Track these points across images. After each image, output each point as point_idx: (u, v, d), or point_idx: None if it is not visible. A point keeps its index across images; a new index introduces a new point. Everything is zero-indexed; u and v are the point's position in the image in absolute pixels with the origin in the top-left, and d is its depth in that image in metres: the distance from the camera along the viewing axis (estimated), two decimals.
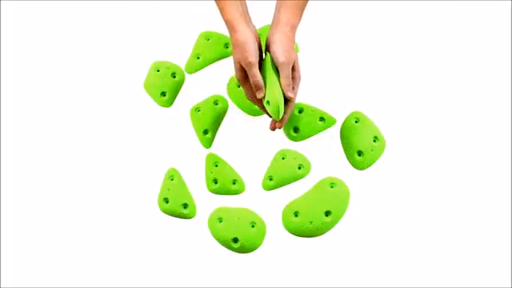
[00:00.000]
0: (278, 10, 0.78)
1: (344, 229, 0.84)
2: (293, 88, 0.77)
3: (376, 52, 0.93)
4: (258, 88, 0.75)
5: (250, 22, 0.78)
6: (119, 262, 0.87)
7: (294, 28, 0.77)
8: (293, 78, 0.77)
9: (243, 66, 0.75)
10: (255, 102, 0.79)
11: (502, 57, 0.90)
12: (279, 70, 0.75)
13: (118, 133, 0.93)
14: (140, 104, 0.95)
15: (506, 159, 0.85)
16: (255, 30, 0.77)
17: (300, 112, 0.89)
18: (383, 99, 0.90)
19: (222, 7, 0.77)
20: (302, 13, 0.78)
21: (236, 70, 0.77)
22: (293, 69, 0.77)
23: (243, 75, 0.77)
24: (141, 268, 0.87)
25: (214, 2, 0.92)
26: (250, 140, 0.90)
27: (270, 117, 0.79)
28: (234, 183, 0.88)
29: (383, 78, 0.91)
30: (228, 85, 0.94)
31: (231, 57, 0.95)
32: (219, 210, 0.87)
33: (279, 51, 0.74)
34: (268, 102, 0.75)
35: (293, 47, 0.76)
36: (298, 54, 0.93)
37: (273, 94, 0.74)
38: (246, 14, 0.78)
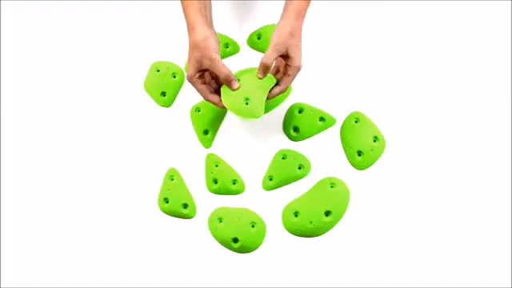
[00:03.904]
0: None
1: (344, 229, 0.84)
2: (287, 75, 0.77)
3: (376, 52, 0.93)
4: (231, 80, 0.76)
5: (212, 25, 0.79)
6: (119, 262, 0.87)
7: (299, 14, 0.77)
8: (287, 65, 0.77)
9: (206, 65, 0.75)
10: (214, 101, 0.79)
11: (502, 57, 0.90)
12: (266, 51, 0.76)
13: (118, 133, 0.93)
14: (140, 104, 0.95)
15: (506, 159, 0.85)
16: (216, 33, 0.78)
17: (300, 112, 0.89)
18: (383, 99, 0.90)
19: (184, 8, 0.78)
20: None
21: (192, 69, 0.76)
22: (288, 56, 0.76)
23: (198, 75, 0.77)
24: (141, 268, 0.87)
25: (215, 3, 0.92)
26: (250, 140, 0.90)
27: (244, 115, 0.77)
28: (234, 183, 0.88)
29: (383, 78, 0.91)
30: None
31: (231, 57, 0.95)
32: (219, 209, 0.87)
33: (274, 35, 0.75)
34: (247, 99, 0.76)
35: (294, 34, 0.75)
36: None
37: (252, 92, 0.76)
38: (208, 17, 0.78)
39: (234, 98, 0.77)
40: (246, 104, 0.76)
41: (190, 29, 0.77)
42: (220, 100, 0.79)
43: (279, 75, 0.80)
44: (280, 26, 0.76)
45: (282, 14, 0.78)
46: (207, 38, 0.75)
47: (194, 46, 0.75)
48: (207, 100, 0.80)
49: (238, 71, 0.90)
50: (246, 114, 0.76)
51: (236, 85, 0.77)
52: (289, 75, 0.78)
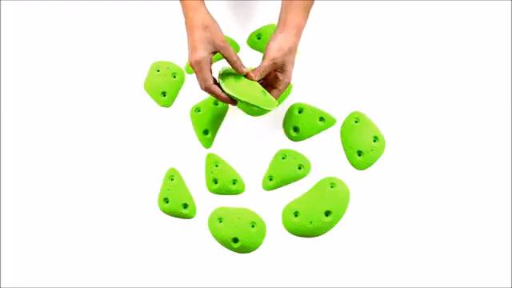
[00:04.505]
0: (284, 11, 0.77)
1: (344, 229, 0.84)
2: (278, 90, 0.78)
3: (376, 52, 0.93)
4: (240, 63, 0.76)
5: (201, 5, 0.76)
6: (119, 262, 0.87)
7: (299, 31, 0.76)
8: (280, 79, 0.77)
9: (218, 46, 0.74)
10: (216, 91, 0.75)
11: (502, 57, 0.90)
12: (263, 61, 0.75)
13: (118, 133, 0.93)
14: (140, 104, 0.95)
15: (506, 159, 0.85)
16: (206, 13, 0.76)
17: (300, 112, 0.89)
18: (383, 99, 0.90)
19: None
20: (308, 14, 0.78)
21: (203, 51, 0.72)
22: (282, 71, 0.77)
23: (210, 57, 0.74)
24: (141, 268, 0.87)
25: (214, 3, 0.92)
26: (250, 140, 0.90)
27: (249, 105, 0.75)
28: (234, 183, 0.88)
29: (383, 78, 0.91)
30: None
31: None
32: (219, 209, 0.87)
33: (273, 47, 0.74)
34: (263, 92, 0.77)
35: (292, 51, 0.75)
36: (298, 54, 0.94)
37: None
38: None
39: (248, 90, 0.75)
40: (264, 95, 0.76)
41: (193, 10, 0.74)
42: (221, 92, 0.75)
43: (268, 88, 0.79)
44: (280, 40, 0.75)
45: (282, 27, 0.76)
46: (214, 21, 0.75)
47: (203, 27, 0.72)
48: (209, 88, 0.74)
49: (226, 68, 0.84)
50: (266, 104, 0.75)
51: (245, 69, 0.76)
52: (280, 90, 0.78)
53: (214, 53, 0.75)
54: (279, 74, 0.77)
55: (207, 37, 0.73)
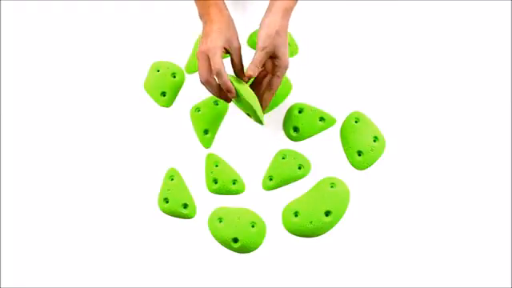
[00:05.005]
0: None
1: (344, 229, 0.84)
2: (277, 76, 0.76)
3: (376, 52, 0.93)
4: (243, 71, 0.77)
5: (225, 8, 0.77)
6: (119, 262, 0.87)
7: (286, 13, 0.75)
8: (276, 65, 0.75)
9: (232, 46, 0.74)
10: (228, 85, 0.73)
11: (502, 57, 0.90)
12: (255, 54, 0.74)
13: (118, 133, 0.93)
14: (140, 104, 0.95)
15: (506, 159, 0.85)
16: (229, 15, 0.77)
17: (300, 112, 0.89)
18: (383, 99, 0.90)
19: None
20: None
21: (218, 42, 0.72)
22: (276, 56, 0.74)
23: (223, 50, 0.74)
24: (141, 268, 0.87)
25: None
26: (250, 140, 0.90)
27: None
28: (234, 183, 0.88)
29: (383, 78, 0.91)
30: None
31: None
32: (219, 209, 0.87)
33: (261, 36, 0.73)
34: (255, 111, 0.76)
35: (280, 33, 0.73)
36: (297, 54, 0.94)
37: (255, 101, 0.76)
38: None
39: (249, 96, 0.75)
40: (260, 108, 0.77)
41: (219, 11, 0.75)
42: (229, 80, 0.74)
43: (268, 78, 0.78)
44: (266, 26, 0.73)
45: (267, 12, 0.75)
46: (234, 26, 0.76)
47: (225, 24, 0.73)
48: (220, 72, 0.71)
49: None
50: (260, 117, 0.76)
51: (246, 78, 0.76)
52: (278, 76, 0.76)
53: (225, 52, 0.75)
54: (275, 60, 0.75)
55: (226, 34, 0.73)
